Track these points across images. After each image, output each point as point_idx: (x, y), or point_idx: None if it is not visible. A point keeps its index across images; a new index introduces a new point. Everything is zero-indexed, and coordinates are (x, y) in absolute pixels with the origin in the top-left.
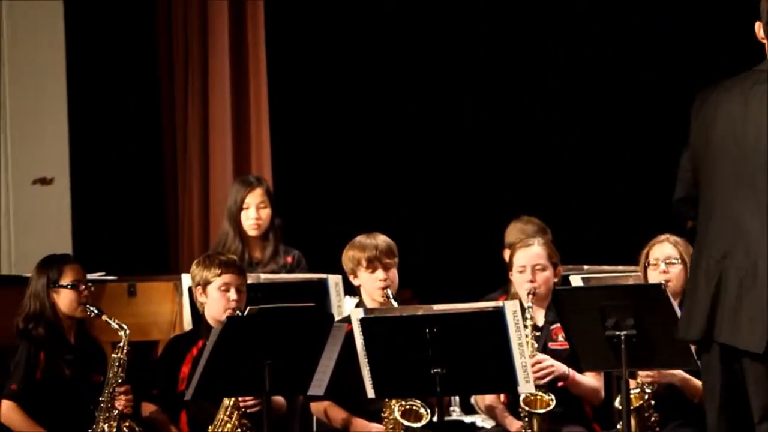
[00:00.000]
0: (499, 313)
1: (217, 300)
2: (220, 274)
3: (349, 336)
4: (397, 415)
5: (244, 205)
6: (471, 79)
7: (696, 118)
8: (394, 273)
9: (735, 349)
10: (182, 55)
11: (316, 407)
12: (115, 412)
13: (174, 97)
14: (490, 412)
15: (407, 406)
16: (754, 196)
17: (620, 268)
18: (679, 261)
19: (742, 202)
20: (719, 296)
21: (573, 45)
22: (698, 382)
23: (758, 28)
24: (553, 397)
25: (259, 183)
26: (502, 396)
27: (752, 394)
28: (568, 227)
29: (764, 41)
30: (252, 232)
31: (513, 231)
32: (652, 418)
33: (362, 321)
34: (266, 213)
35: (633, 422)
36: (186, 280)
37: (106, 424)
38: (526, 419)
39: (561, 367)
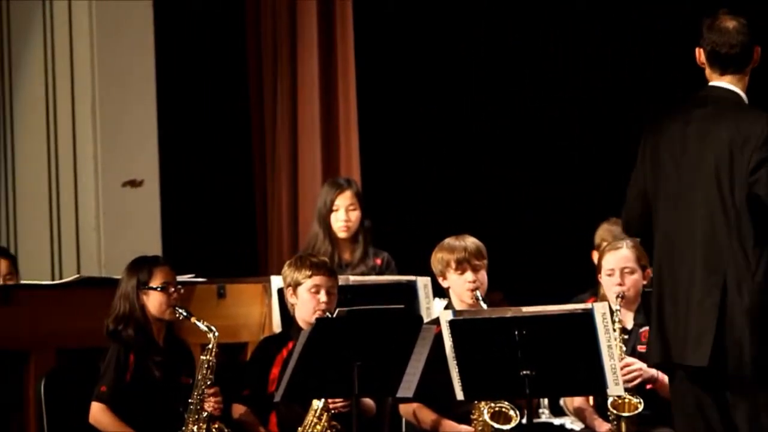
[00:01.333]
0: (589, 315)
1: (308, 301)
2: (311, 276)
3: (438, 338)
4: (486, 417)
5: (334, 207)
6: (559, 78)
7: (643, 148)
8: (483, 275)
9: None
10: (271, 57)
11: (405, 409)
12: (204, 414)
13: (263, 99)
14: (579, 414)
15: (496, 408)
16: (696, 216)
17: None
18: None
19: (685, 223)
20: (671, 317)
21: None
22: None
23: (699, 54)
24: (642, 401)
25: (349, 185)
26: (590, 398)
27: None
28: None
29: (704, 66)
30: (342, 234)
31: (602, 232)
32: None
33: (451, 323)
34: (356, 215)
35: (624, 429)
36: (275, 281)
37: (195, 426)
38: (615, 422)
39: (649, 370)
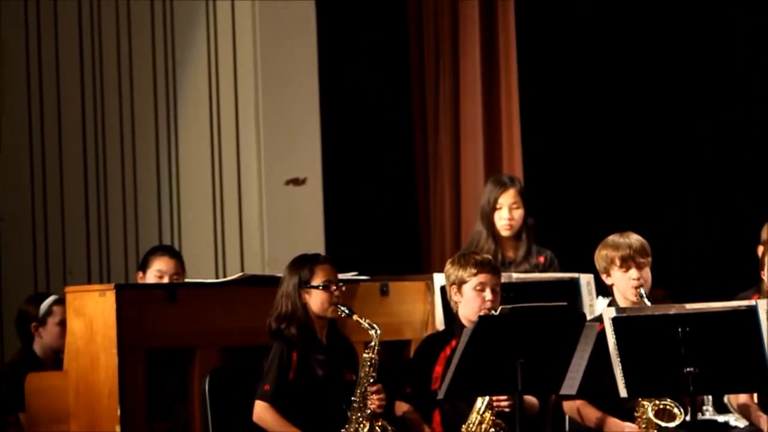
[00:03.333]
0: (753, 311)
1: (473, 299)
2: (475, 274)
3: (601, 335)
4: (650, 414)
5: (497, 206)
6: (728, 68)
7: None
8: (647, 272)
9: None
10: (433, 55)
11: (568, 406)
12: (368, 412)
13: (425, 97)
14: (743, 411)
15: (660, 406)
16: None
17: None
18: None
19: None
20: None
21: None
22: None
23: None
24: None
25: (512, 183)
26: (755, 395)
27: None
28: None
29: None
30: (505, 232)
31: None
32: None
33: (614, 320)
34: (519, 213)
35: None
36: (438, 279)
37: (359, 424)
38: None
39: None
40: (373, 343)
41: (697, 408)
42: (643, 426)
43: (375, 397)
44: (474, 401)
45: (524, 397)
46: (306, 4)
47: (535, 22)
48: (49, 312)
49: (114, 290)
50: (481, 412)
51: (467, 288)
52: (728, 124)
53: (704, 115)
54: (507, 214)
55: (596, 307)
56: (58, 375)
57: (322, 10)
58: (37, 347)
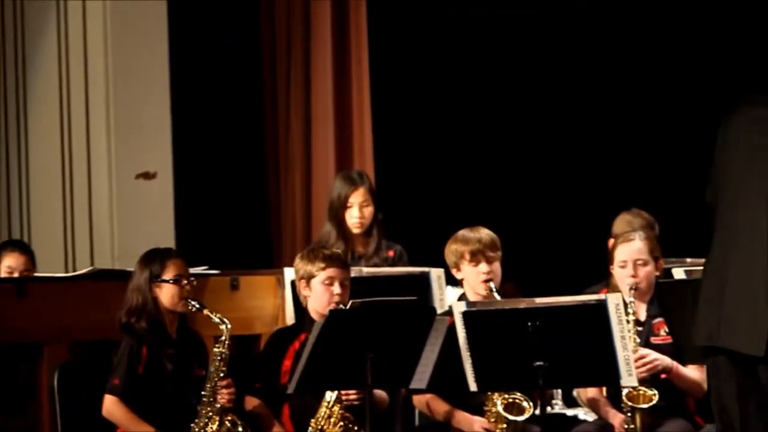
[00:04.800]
0: (602, 306)
1: (321, 294)
2: (324, 268)
3: (452, 329)
4: (499, 408)
5: (348, 204)
6: (576, 67)
7: (720, 134)
8: (497, 266)
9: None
10: (285, 50)
11: (418, 400)
12: (218, 406)
13: (276, 91)
14: (592, 405)
15: (510, 400)
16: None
17: None
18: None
19: (746, 212)
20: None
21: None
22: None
23: None
24: (656, 392)
25: (362, 181)
26: (604, 389)
27: None
28: (674, 219)
29: None
30: (356, 230)
31: (620, 223)
32: None
33: (464, 314)
34: (369, 211)
35: (638, 421)
36: (288, 273)
37: (209, 418)
38: (629, 414)
39: (664, 360)
40: (223, 338)
41: (547, 402)
42: (493, 420)
43: (225, 391)
44: (323, 395)
45: (374, 391)
46: (158, 3)
47: (387, 18)
48: None
49: None
50: (330, 406)
51: (316, 282)
52: (576, 117)
53: (554, 107)
54: (357, 213)
55: (446, 300)
56: None
57: (173, 7)
58: None
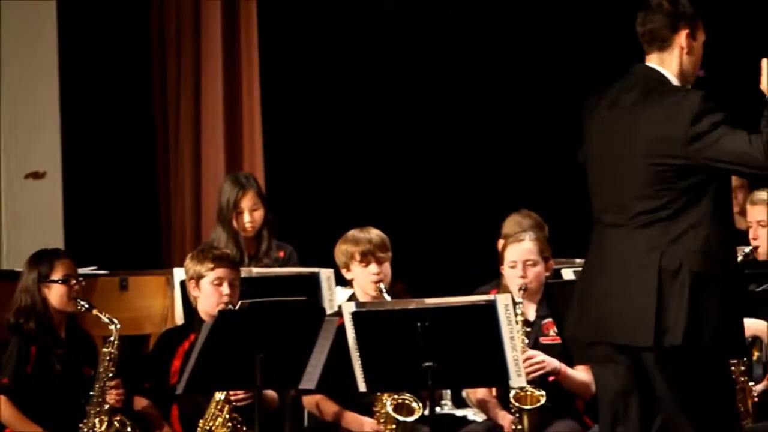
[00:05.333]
0: (491, 306)
1: (210, 294)
2: (213, 269)
3: (341, 329)
4: (389, 408)
5: (237, 210)
6: (466, 70)
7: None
8: (387, 267)
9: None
10: (175, 52)
11: (307, 401)
12: (106, 407)
13: (166, 92)
14: (481, 405)
15: (399, 400)
16: (625, 193)
17: None
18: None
19: (615, 199)
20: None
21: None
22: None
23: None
24: (544, 393)
25: (250, 184)
26: (493, 390)
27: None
28: (564, 219)
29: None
30: (246, 233)
31: (510, 224)
32: None
33: (354, 315)
34: (259, 214)
35: (526, 421)
36: (178, 274)
37: (97, 419)
38: (517, 414)
39: (552, 362)
40: (112, 338)
41: (436, 402)
42: (382, 420)
43: (113, 392)
44: (212, 396)
45: (263, 391)
46: (47, 3)
47: (278, 20)
48: None
49: None
50: (219, 406)
51: (205, 282)
52: (465, 118)
53: (444, 107)
54: (248, 218)
55: (336, 301)
56: None
57: (63, 6)
58: None
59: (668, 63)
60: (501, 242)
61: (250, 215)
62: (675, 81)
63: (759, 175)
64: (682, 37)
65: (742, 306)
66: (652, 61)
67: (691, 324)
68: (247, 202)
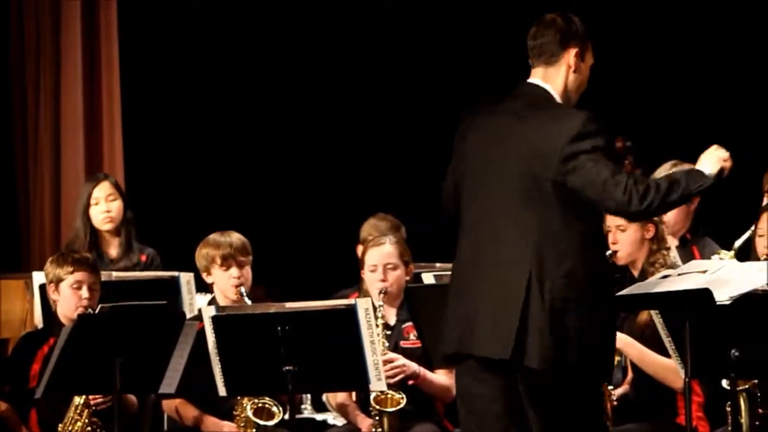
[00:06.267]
0: (351, 310)
1: (69, 298)
2: (72, 272)
3: (201, 333)
4: (249, 413)
5: (93, 201)
6: (324, 72)
7: (457, 140)
8: (247, 270)
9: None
10: (34, 52)
11: (167, 405)
12: None
13: (26, 93)
14: (341, 409)
15: (259, 405)
16: (498, 209)
17: None
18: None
19: (488, 216)
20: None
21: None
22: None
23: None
24: (404, 396)
25: (105, 177)
26: (353, 394)
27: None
28: (424, 224)
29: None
30: (105, 226)
31: (367, 228)
32: None
33: (214, 319)
34: (116, 205)
35: (386, 424)
36: (37, 277)
37: None
38: (377, 418)
39: (412, 366)
40: None
41: (296, 406)
42: (242, 425)
43: None
44: (72, 400)
45: (123, 395)
46: None
47: (138, 21)
48: None
49: None
50: (78, 410)
51: (64, 286)
52: (323, 123)
53: (301, 111)
54: (104, 207)
55: (196, 305)
56: None
57: None
58: None
59: (553, 78)
60: (360, 246)
61: (107, 205)
62: (558, 98)
63: (611, 208)
64: (570, 55)
65: (610, 330)
66: (537, 75)
67: (550, 347)
68: (102, 192)
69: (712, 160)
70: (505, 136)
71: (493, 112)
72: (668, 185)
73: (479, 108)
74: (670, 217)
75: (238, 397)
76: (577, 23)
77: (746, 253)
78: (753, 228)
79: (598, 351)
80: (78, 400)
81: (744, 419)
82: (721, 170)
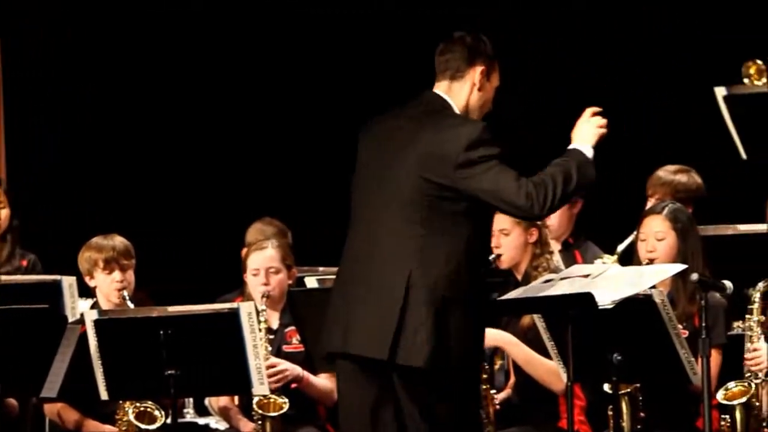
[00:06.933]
0: (234, 314)
1: None
2: None
3: (84, 337)
4: (130, 417)
5: None
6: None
7: (359, 144)
8: (130, 274)
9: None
10: None
11: (49, 409)
12: None
13: None
14: (224, 413)
15: (141, 408)
16: (384, 213)
17: None
18: None
19: (374, 219)
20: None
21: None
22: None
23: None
24: (287, 400)
25: None
26: (236, 398)
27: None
28: (308, 228)
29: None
30: None
31: (253, 232)
32: None
33: (96, 322)
34: (4, 213)
35: (268, 429)
36: None
37: None
38: (260, 422)
39: (295, 370)
40: None
41: (179, 410)
42: (124, 428)
43: None
44: None
45: (4, 399)
46: None
47: (19, 18)
48: None
49: None
50: None
51: None
52: (209, 126)
53: (186, 119)
54: None
55: (78, 309)
56: None
57: None
58: None
59: (456, 93)
60: (245, 250)
61: None
62: (457, 111)
63: (515, 214)
64: (476, 73)
65: (482, 332)
66: (441, 88)
67: (433, 346)
68: None
69: (590, 131)
70: (399, 140)
71: (392, 116)
72: (563, 182)
73: (379, 116)
74: (554, 221)
75: (120, 401)
76: (486, 43)
77: (628, 258)
78: (635, 233)
79: (475, 351)
80: None
81: (626, 423)
82: (600, 138)
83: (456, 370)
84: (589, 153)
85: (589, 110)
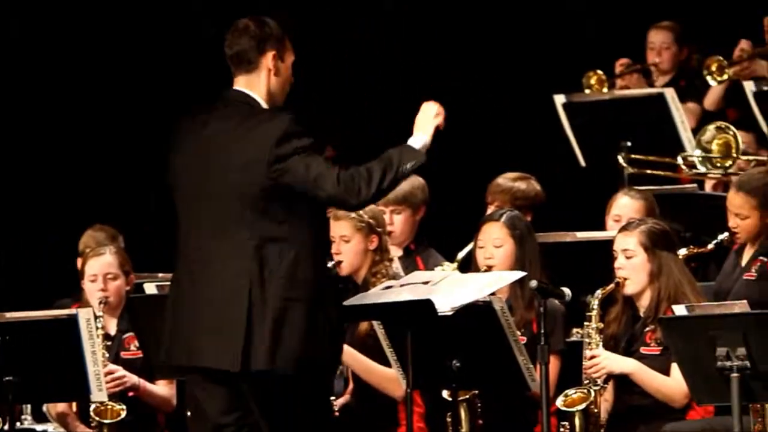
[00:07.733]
0: (73, 320)
1: None
2: None
3: None
4: None
5: None
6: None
7: (172, 145)
8: None
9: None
10: None
11: None
12: None
13: None
14: (61, 419)
15: None
16: (210, 215)
17: None
18: None
19: (202, 222)
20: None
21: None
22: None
23: None
24: (125, 407)
25: None
26: (73, 404)
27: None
28: (145, 234)
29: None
30: None
31: (86, 239)
32: None
33: None
34: None
35: None
36: None
37: None
38: (97, 428)
39: (132, 378)
40: None
41: (16, 416)
42: None
43: None
44: None
45: None
46: None
47: None
48: None
49: None
50: None
51: None
52: (42, 131)
53: (18, 117)
54: None
55: None
56: None
57: None
58: None
59: (255, 85)
60: (80, 259)
61: None
62: (263, 103)
63: (333, 203)
64: (269, 59)
65: (336, 331)
66: (240, 84)
67: (277, 347)
68: None
69: (427, 121)
70: (213, 151)
71: (200, 124)
72: (381, 170)
73: (189, 118)
74: (396, 227)
75: None
76: (272, 25)
77: (468, 265)
78: (474, 240)
79: (325, 350)
80: None
81: (464, 429)
82: (437, 128)
83: (306, 370)
84: (422, 141)
85: (428, 103)
